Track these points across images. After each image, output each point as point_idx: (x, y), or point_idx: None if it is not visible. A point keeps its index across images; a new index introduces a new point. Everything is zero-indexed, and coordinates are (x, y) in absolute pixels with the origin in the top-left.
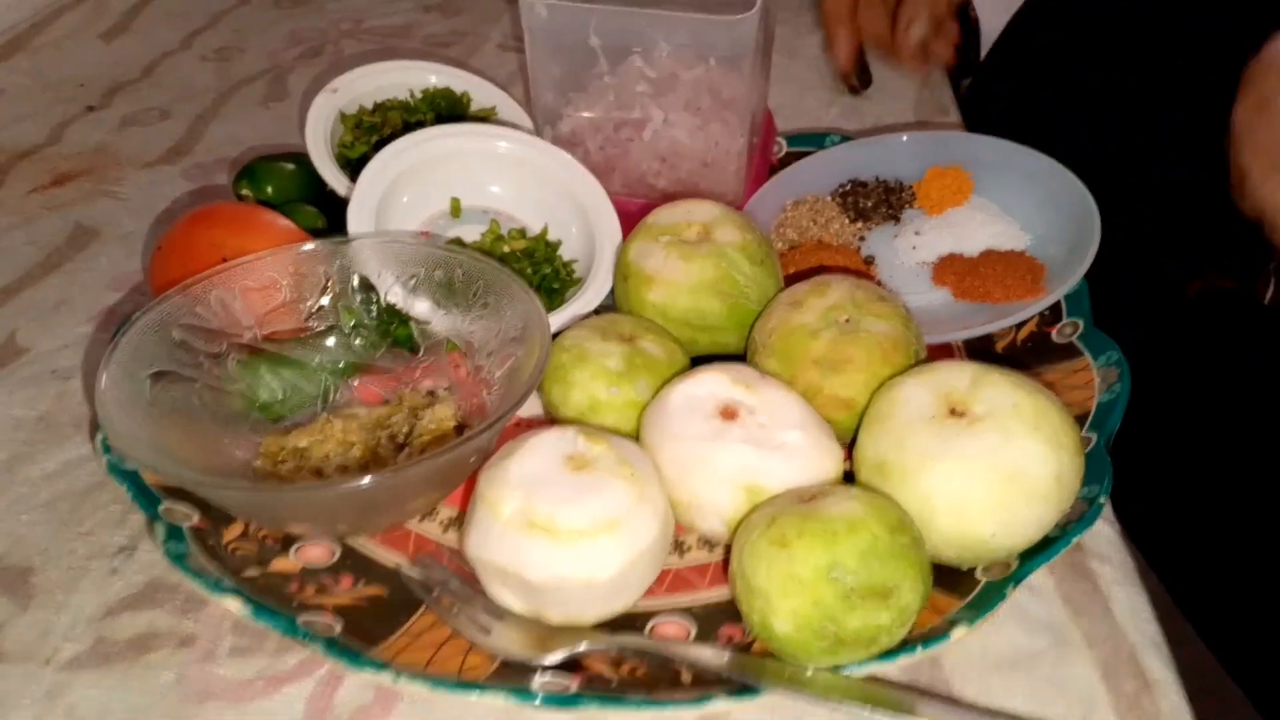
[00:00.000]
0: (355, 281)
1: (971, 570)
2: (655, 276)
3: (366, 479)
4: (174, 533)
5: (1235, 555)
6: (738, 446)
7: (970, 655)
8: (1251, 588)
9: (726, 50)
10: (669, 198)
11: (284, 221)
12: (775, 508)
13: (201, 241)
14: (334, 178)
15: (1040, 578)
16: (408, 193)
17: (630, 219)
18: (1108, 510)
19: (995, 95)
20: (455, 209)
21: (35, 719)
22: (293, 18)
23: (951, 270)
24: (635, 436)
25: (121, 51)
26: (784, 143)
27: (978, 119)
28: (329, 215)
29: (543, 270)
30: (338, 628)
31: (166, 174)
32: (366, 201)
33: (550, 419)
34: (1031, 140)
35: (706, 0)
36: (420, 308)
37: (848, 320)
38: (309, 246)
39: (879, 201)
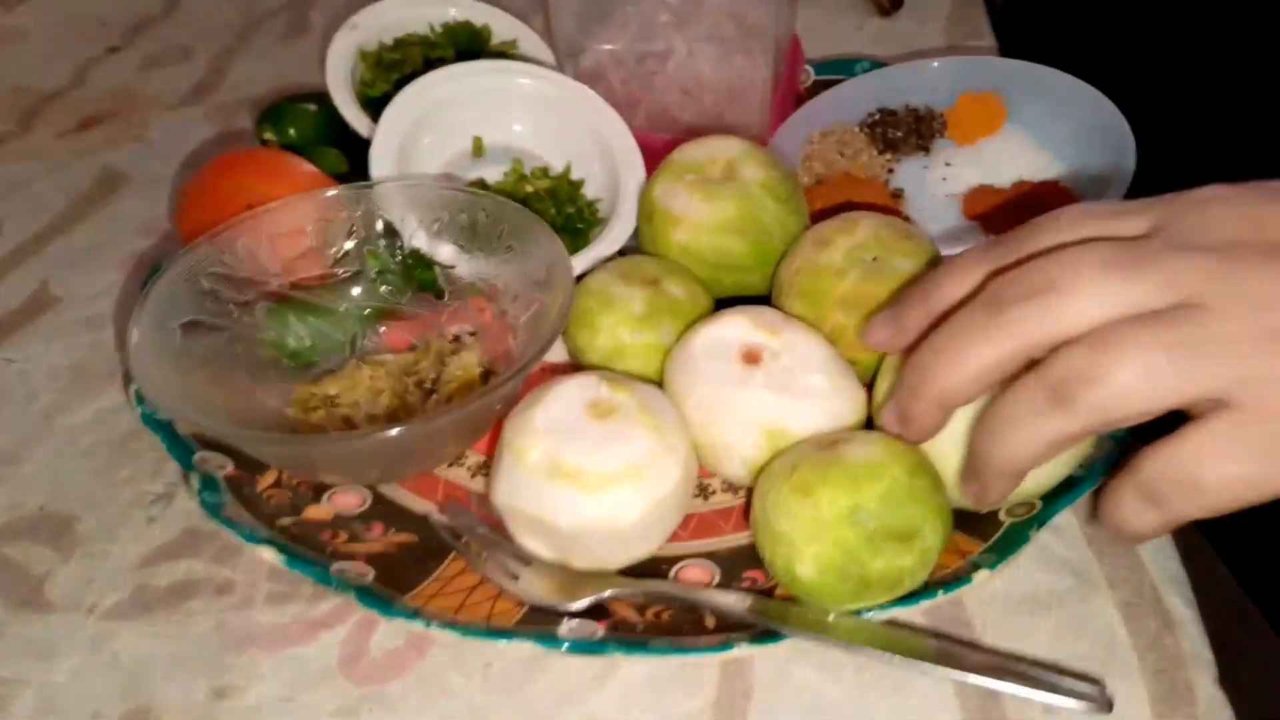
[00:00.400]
0: (380, 226)
1: (995, 512)
2: (679, 216)
3: (395, 429)
4: (209, 482)
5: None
6: (760, 391)
7: (993, 596)
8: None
9: None
10: (694, 132)
11: (307, 167)
12: (797, 455)
13: (228, 187)
14: (356, 118)
15: (1064, 517)
16: (429, 134)
17: (654, 155)
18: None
19: (1033, 8)
20: (478, 148)
21: (80, 667)
22: None
23: (982, 203)
24: (660, 380)
25: None
26: (811, 71)
27: (1013, 38)
28: (352, 157)
29: (566, 210)
30: (370, 575)
31: (190, 116)
32: (388, 144)
33: (575, 363)
34: (1069, 60)
35: None
36: (445, 252)
37: (874, 259)
38: (333, 192)
39: (909, 131)
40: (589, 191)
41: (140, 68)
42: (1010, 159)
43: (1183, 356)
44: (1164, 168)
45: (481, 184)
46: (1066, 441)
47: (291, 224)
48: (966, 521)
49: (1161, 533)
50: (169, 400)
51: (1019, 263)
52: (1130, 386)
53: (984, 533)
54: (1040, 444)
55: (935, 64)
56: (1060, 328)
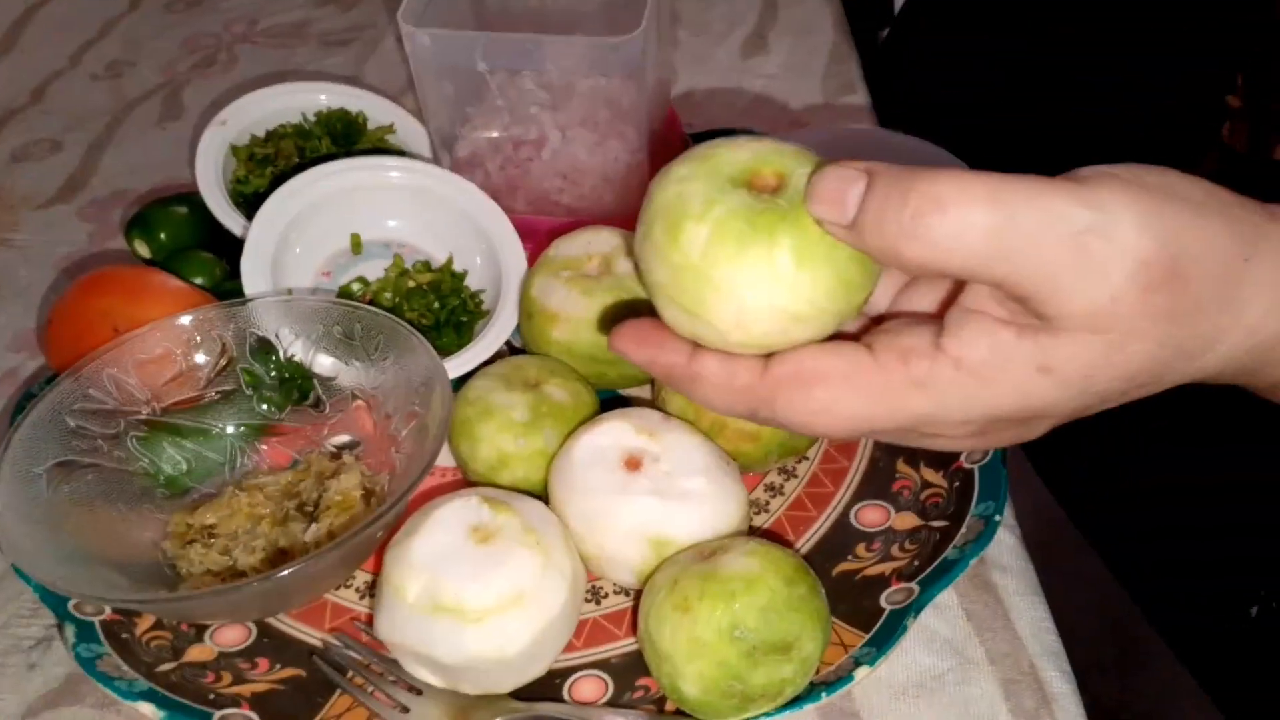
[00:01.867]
0: (253, 342)
1: (877, 596)
2: (558, 314)
3: (276, 574)
4: (85, 631)
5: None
6: (642, 499)
7: (879, 682)
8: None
9: (617, 69)
10: (574, 213)
11: (175, 283)
12: (677, 568)
13: (93, 312)
14: (229, 218)
15: (944, 595)
16: (305, 235)
17: (537, 236)
18: (1009, 515)
19: (909, 49)
20: (356, 245)
21: None
22: (185, 23)
23: None
24: (545, 487)
25: (9, 73)
26: (690, 141)
27: (892, 75)
28: (228, 256)
29: (450, 303)
30: None
31: (62, 214)
32: (261, 253)
33: (462, 472)
34: (948, 97)
35: (596, 12)
36: (323, 364)
37: None
38: (201, 313)
39: None
40: (472, 283)
41: (8, 163)
42: None
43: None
44: None
45: (362, 281)
46: None
47: (159, 348)
48: (847, 610)
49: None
50: (36, 561)
51: None
52: None
53: (864, 622)
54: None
55: (805, 134)
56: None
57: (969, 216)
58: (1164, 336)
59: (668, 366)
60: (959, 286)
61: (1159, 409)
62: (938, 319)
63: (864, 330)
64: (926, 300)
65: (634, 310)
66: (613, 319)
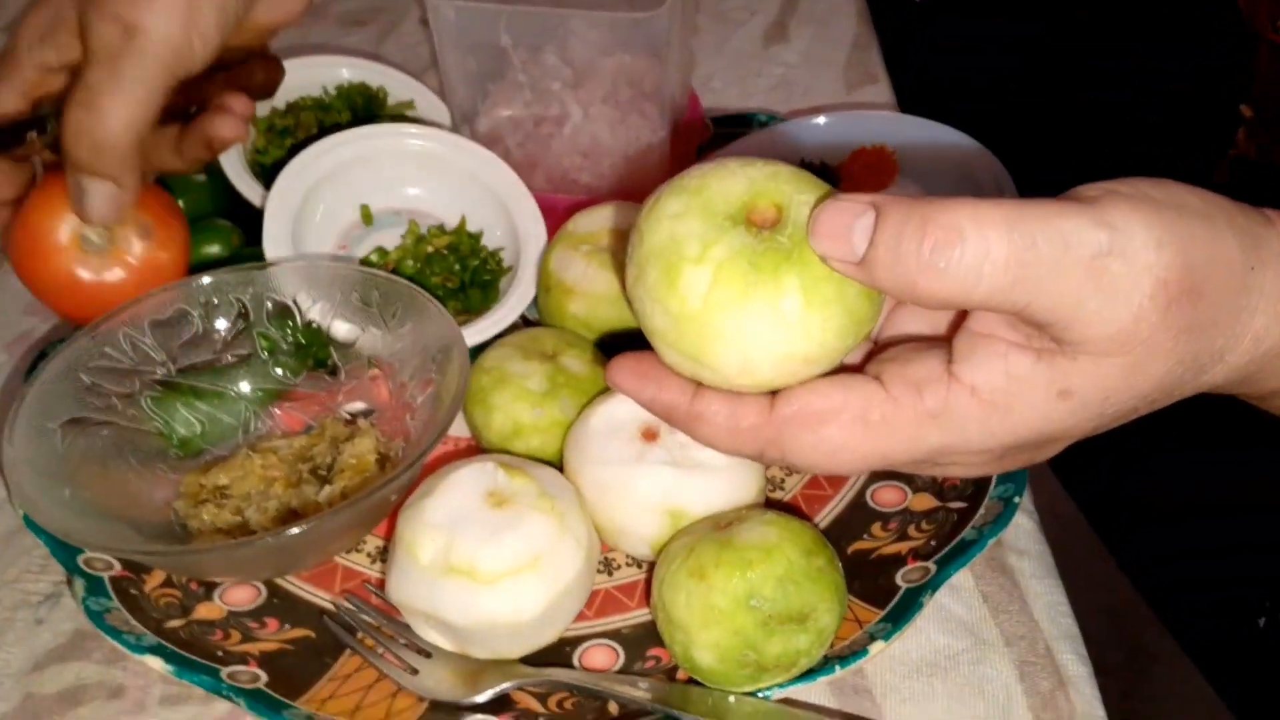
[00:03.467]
0: (270, 306)
1: (893, 575)
2: (576, 288)
3: (284, 532)
4: (95, 585)
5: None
6: (658, 469)
7: (892, 660)
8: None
9: (642, 46)
10: (593, 192)
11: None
12: (693, 537)
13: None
14: (248, 188)
15: (959, 576)
16: (323, 202)
17: (555, 215)
18: (1026, 500)
19: (928, 34)
20: (366, 216)
21: None
22: None
23: None
24: (561, 457)
25: None
26: (711, 124)
27: (908, 83)
28: (246, 226)
29: (470, 264)
30: (263, 679)
31: None
32: (281, 218)
33: (476, 441)
34: (960, 99)
35: None
36: (340, 330)
37: None
38: (221, 274)
39: None
40: (490, 243)
41: None
42: None
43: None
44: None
45: (380, 252)
46: None
47: (177, 310)
48: (862, 587)
49: None
50: (49, 514)
51: None
52: None
53: (879, 599)
54: None
55: (828, 119)
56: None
57: (989, 248)
58: (1182, 353)
59: (668, 406)
60: (962, 311)
61: (1177, 416)
62: (942, 343)
63: (866, 358)
64: (920, 323)
65: (631, 338)
66: (610, 346)
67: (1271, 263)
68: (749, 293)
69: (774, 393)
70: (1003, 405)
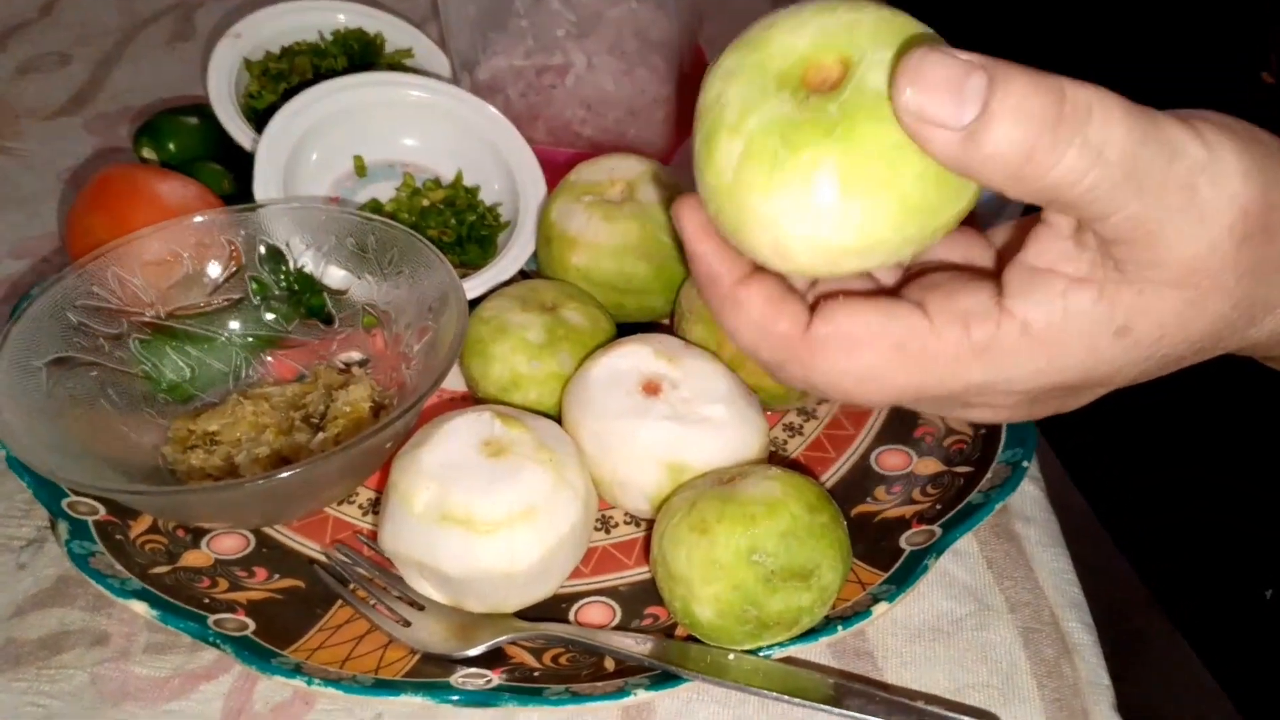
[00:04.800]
0: (263, 250)
1: (896, 538)
2: (578, 239)
3: (275, 475)
4: (79, 529)
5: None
6: (660, 423)
7: (894, 624)
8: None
9: None
10: (596, 147)
11: (182, 191)
12: (695, 491)
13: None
14: (240, 132)
15: (964, 542)
16: (316, 149)
17: (556, 169)
18: (1034, 469)
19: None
20: (360, 167)
21: None
22: None
23: None
24: (559, 411)
25: None
26: None
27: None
28: (237, 171)
29: (467, 219)
30: (250, 627)
31: (68, 126)
32: (273, 162)
33: (473, 393)
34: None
35: None
36: (334, 276)
37: None
38: (211, 216)
39: None
40: (487, 198)
41: (13, 75)
42: None
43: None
44: None
45: (374, 203)
46: None
47: (166, 250)
48: (865, 550)
49: None
50: (33, 451)
51: None
52: None
53: (883, 562)
54: None
55: None
56: None
57: (1110, 134)
58: (1240, 296)
59: (712, 276)
60: (1017, 240)
61: (1178, 385)
62: (988, 275)
63: (900, 282)
64: (956, 251)
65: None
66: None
67: None
68: (776, 172)
69: (813, 309)
70: (1056, 342)
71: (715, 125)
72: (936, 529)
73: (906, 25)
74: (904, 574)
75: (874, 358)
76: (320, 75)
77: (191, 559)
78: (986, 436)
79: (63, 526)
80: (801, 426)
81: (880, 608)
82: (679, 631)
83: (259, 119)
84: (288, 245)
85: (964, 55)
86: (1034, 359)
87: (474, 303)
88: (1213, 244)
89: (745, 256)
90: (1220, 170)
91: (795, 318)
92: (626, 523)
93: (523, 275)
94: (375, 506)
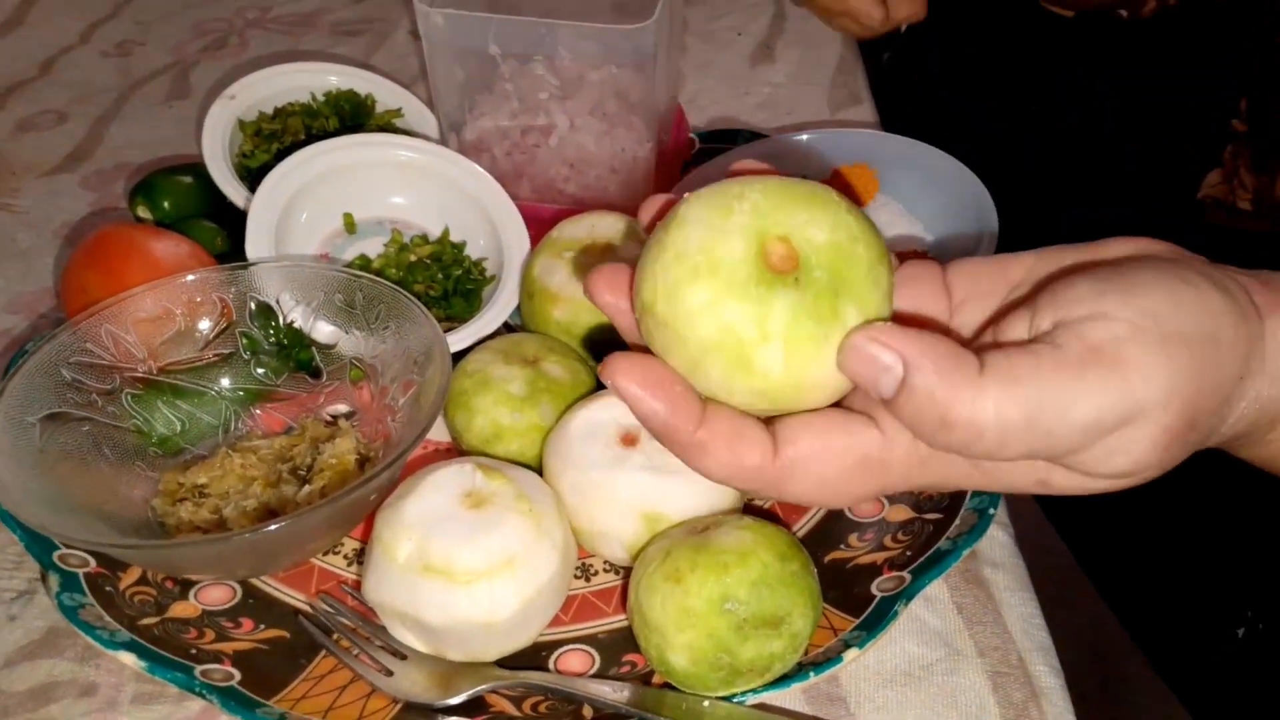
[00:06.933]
0: (254, 307)
1: (868, 584)
2: (559, 294)
3: (265, 527)
4: (69, 581)
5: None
6: (637, 474)
7: (866, 670)
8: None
9: (629, 57)
10: (579, 203)
11: (176, 249)
12: (670, 540)
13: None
14: (233, 191)
15: (934, 588)
16: (307, 208)
17: (541, 225)
18: (1002, 514)
19: (912, 70)
20: (349, 224)
21: None
22: (196, 5)
23: None
24: (540, 462)
25: (17, 47)
26: (697, 140)
27: (891, 103)
28: (231, 229)
29: (453, 273)
30: (236, 677)
31: (65, 183)
32: (264, 221)
33: (457, 445)
34: (943, 122)
35: (608, 7)
36: (322, 331)
37: None
38: (204, 274)
39: None
40: (473, 254)
41: (12, 132)
42: (883, 229)
43: None
44: (1026, 231)
45: (362, 258)
46: None
47: (159, 307)
48: (838, 596)
49: None
50: (25, 505)
51: None
52: None
53: (854, 608)
54: None
55: (811, 136)
56: None
57: (1005, 438)
58: (1171, 465)
59: (669, 428)
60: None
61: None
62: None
63: None
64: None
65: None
66: (586, 266)
67: (1257, 372)
68: (823, 344)
69: (774, 429)
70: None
71: (740, 349)
72: (906, 575)
73: (789, 192)
74: (875, 620)
75: (839, 473)
76: (312, 135)
77: (179, 610)
78: None
79: (53, 579)
80: None
81: (851, 654)
82: (656, 679)
83: (252, 178)
84: (278, 302)
85: (889, 347)
86: (969, 476)
87: (460, 355)
88: (1138, 461)
89: (690, 392)
90: (1146, 413)
91: (761, 447)
92: (606, 570)
93: (507, 328)
94: (360, 557)
